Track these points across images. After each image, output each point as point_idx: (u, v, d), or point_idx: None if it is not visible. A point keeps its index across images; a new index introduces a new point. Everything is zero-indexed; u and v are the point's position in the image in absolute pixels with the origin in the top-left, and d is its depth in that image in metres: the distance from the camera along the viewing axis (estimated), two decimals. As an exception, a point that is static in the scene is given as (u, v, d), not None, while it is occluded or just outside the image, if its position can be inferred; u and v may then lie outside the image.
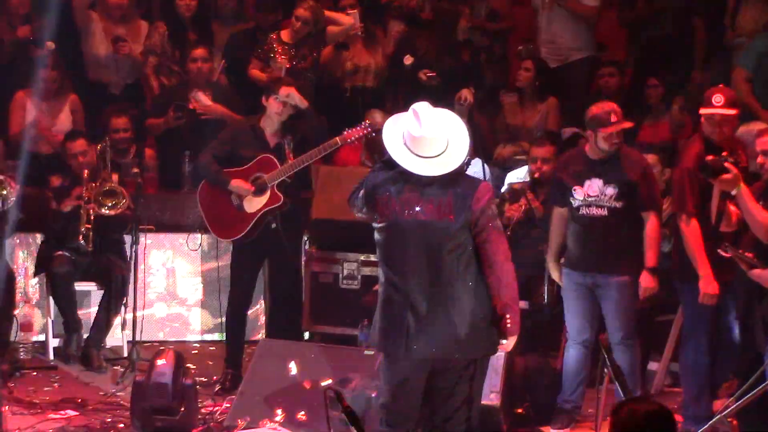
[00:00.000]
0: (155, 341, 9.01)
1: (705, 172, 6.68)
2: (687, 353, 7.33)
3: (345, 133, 7.92)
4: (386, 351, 5.77)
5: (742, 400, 6.28)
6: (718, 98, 7.03)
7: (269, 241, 8.02)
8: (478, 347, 5.70)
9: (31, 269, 8.93)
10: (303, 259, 8.61)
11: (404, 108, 5.79)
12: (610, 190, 7.25)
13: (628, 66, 10.33)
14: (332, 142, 7.90)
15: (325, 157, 8.25)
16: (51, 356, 8.71)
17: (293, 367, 7.29)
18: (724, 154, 6.75)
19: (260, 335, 8.94)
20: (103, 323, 8.63)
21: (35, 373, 8.42)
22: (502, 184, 8.80)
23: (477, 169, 8.18)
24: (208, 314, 9.22)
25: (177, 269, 9.23)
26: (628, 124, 7.37)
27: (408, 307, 5.65)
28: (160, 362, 7.19)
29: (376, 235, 5.76)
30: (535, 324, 8.00)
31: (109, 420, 7.46)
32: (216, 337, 9.08)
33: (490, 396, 7.05)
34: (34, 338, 8.97)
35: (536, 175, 8.30)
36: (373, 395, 6.65)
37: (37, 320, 8.94)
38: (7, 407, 7.16)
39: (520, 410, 7.53)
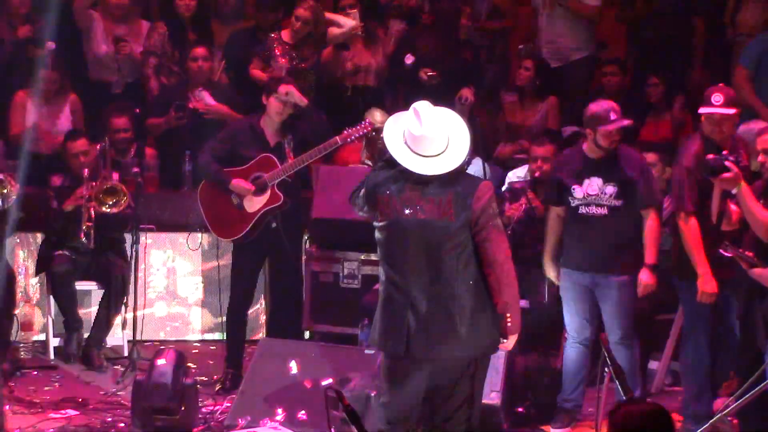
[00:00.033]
0: (156, 340, 9.02)
1: (705, 170, 6.68)
2: (687, 352, 7.33)
3: (345, 132, 7.92)
4: (387, 350, 5.77)
5: (742, 399, 6.28)
6: (717, 97, 7.03)
7: (270, 240, 8.02)
8: (478, 346, 5.70)
9: (32, 268, 8.94)
10: (303, 258, 8.60)
11: (405, 107, 5.79)
12: (610, 189, 7.26)
13: (629, 63, 10.31)
14: (332, 142, 7.90)
15: (325, 156, 8.24)
16: (51, 356, 8.71)
17: (294, 367, 7.29)
18: (724, 152, 6.76)
19: (261, 334, 8.94)
20: (103, 323, 8.63)
21: (36, 373, 8.43)
22: (503, 183, 8.81)
23: (477, 168, 8.17)
24: (209, 313, 9.22)
25: (177, 268, 9.23)
26: (627, 122, 7.37)
27: (408, 306, 5.66)
28: (160, 362, 7.20)
29: (377, 234, 5.76)
30: (536, 323, 8.00)
31: (110, 419, 7.46)
32: (216, 336, 9.08)
33: (491, 395, 7.05)
34: (35, 338, 8.98)
35: (537, 174, 8.30)
36: (372, 394, 6.65)
37: (37, 319, 8.95)
38: (7, 407, 7.17)
39: (520, 409, 7.53)
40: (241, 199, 7.97)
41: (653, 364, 8.22)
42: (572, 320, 7.43)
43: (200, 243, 8.92)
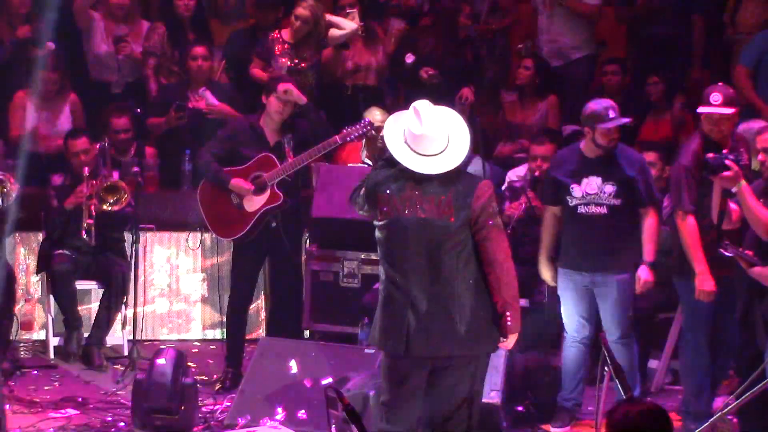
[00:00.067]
0: (156, 340, 9.02)
1: (705, 169, 6.68)
2: (686, 350, 7.33)
3: (344, 131, 7.92)
4: (387, 349, 5.77)
5: (742, 398, 6.28)
6: (715, 97, 7.03)
7: (269, 239, 8.02)
8: (478, 345, 5.70)
9: (32, 266, 8.94)
10: (303, 257, 8.61)
11: (405, 106, 5.79)
12: (609, 188, 7.26)
13: (629, 62, 10.31)
14: (331, 141, 7.90)
15: (325, 155, 8.25)
16: (51, 355, 8.71)
17: (294, 366, 7.29)
18: (724, 151, 6.76)
19: (260, 331, 8.95)
20: (103, 322, 8.63)
21: (36, 372, 8.43)
22: (503, 182, 8.81)
23: (477, 167, 8.18)
24: (211, 311, 9.21)
25: (179, 266, 9.23)
26: (626, 120, 7.37)
27: (408, 305, 5.66)
28: (160, 361, 7.20)
29: (377, 233, 5.77)
30: (536, 322, 8.00)
31: (110, 419, 7.47)
32: (218, 333, 9.08)
33: (491, 394, 7.05)
34: (35, 336, 8.98)
35: (536, 174, 8.30)
36: (370, 394, 6.65)
37: (38, 317, 8.95)
38: (7, 406, 7.15)
39: (520, 408, 7.53)
40: (241, 199, 7.97)
41: (653, 363, 8.23)
42: (571, 320, 7.43)
43: (200, 243, 8.92)
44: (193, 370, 8.09)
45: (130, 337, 8.45)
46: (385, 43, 10.17)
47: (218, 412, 7.49)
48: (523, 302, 7.22)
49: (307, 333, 8.69)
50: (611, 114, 7.22)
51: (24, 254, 9.05)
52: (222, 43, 10.20)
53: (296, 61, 9.33)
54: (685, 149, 7.17)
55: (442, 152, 5.64)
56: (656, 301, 7.96)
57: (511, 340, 5.76)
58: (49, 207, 8.65)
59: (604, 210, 7.28)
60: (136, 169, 8.72)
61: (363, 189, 5.80)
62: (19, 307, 8.84)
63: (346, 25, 9.49)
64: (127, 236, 8.54)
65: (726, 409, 6.45)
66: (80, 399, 7.79)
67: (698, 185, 7.00)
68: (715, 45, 10.31)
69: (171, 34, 9.92)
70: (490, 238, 5.64)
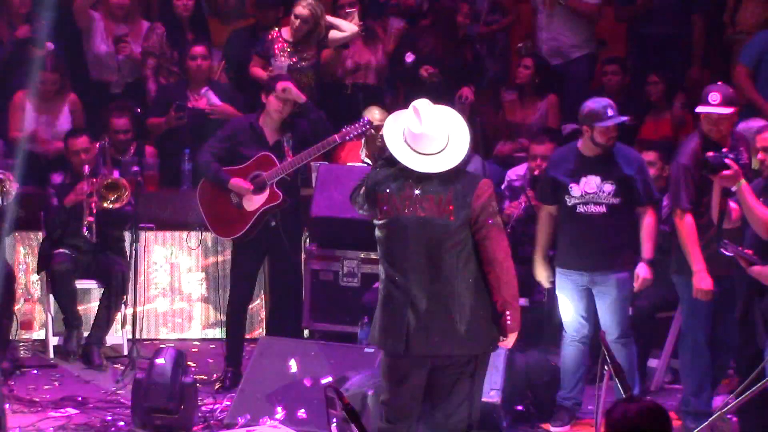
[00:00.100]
0: (155, 339, 9.02)
1: (705, 168, 6.68)
2: (685, 349, 7.33)
3: (343, 129, 7.92)
4: (386, 348, 5.78)
5: (742, 397, 6.28)
6: (714, 96, 7.02)
7: (269, 239, 8.02)
8: (478, 344, 5.70)
9: (32, 266, 8.95)
10: (303, 256, 8.61)
11: (405, 105, 5.79)
12: (608, 187, 7.26)
13: (629, 62, 10.31)
14: (331, 140, 7.90)
15: (324, 154, 8.25)
16: (51, 354, 8.71)
17: (293, 365, 7.29)
18: (724, 150, 6.76)
19: (260, 330, 8.96)
20: (103, 321, 8.63)
21: (35, 372, 8.43)
22: (502, 181, 8.82)
23: (476, 166, 8.19)
24: (210, 310, 9.21)
25: (179, 264, 9.23)
26: (624, 119, 7.38)
27: (408, 304, 5.66)
28: (159, 360, 7.20)
29: (377, 232, 5.77)
30: (535, 321, 8.01)
31: (110, 418, 7.46)
32: (217, 332, 9.08)
33: (491, 393, 7.04)
34: (35, 336, 8.98)
35: (536, 173, 8.30)
36: (369, 393, 6.65)
37: (38, 317, 8.95)
38: (7, 405, 7.16)
39: (520, 407, 7.53)
40: (241, 198, 7.97)
41: (653, 362, 8.23)
42: (570, 319, 7.43)
43: (200, 242, 8.92)
44: (193, 369, 8.09)
45: (130, 337, 8.45)
46: (384, 42, 10.17)
47: (218, 411, 7.49)
48: (523, 301, 7.21)
49: (306, 332, 8.69)
50: (609, 112, 7.22)
51: (24, 253, 9.05)
52: (221, 43, 10.19)
53: (296, 59, 9.32)
54: (684, 148, 7.17)
55: (441, 151, 5.64)
56: (656, 300, 7.96)
57: (510, 339, 5.76)
58: (49, 206, 8.65)
59: (603, 209, 7.28)
60: (135, 168, 8.72)
61: (363, 188, 5.80)
62: (19, 307, 8.84)
63: (347, 27, 9.47)
64: (127, 236, 8.53)
65: (726, 408, 6.45)
66: (80, 398, 7.79)
67: (697, 184, 7.01)
68: (715, 44, 10.31)
69: (170, 34, 9.91)
70: (489, 237, 5.64)
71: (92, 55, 9.92)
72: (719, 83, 7.22)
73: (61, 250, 8.57)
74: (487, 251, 5.65)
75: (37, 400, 7.77)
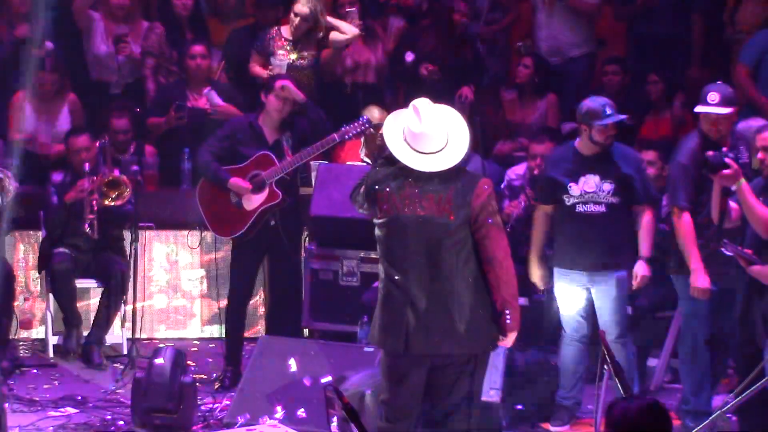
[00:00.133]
0: (155, 338, 9.02)
1: (705, 167, 6.68)
2: (685, 348, 7.33)
3: (342, 129, 7.93)
4: (386, 347, 5.78)
5: (741, 396, 6.28)
6: (713, 96, 7.02)
7: (269, 238, 8.02)
8: (477, 343, 5.70)
9: (31, 264, 8.95)
10: (302, 255, 8.60)
11: (404, 104, 5.79)
12: (608, 186, 7.26)
13: (629, 61, 10.30)
14: (330, 139, 7.90)
15: (323, 153, 8.24)
16: (51, 353, 8.71)
17: (293, 364, 7.29)
18: (724, 149, 6.76)
19: (259, 327, 8.96)
20: (103, 321, 8.63)
21: (35, 371, 8.42)
22: (502, 180, 8.81)
23: (476, 166, 8.18)
24: (210, 308, 9.21)
25: (178, 263, 9.23)
26: (622, 117, 7.38)
27: (408, 304, 5.66)
28: (159, 360, 7.20)
29: (377, 231, 5.77)
30: (535, 320, 8.00)
31: (109, 417, 7.47)
32: (216, 330, 9.08)
33: (490, 392, 7.04)
34: (34, 335, 8.98)
35: (536, 172, 8.29)
36: (367, 392, 6.64)
37: (38, 313, 8.95)
38: (7, 404, 7.16)
39: (520, 407, 7.53)
40: (240, 198, 7.97)
41: (652, 362, 8.23)
42: (569, 319, 7.43)
43: (199, 242, 8.92)
44: (192, 368, 8.09)
45: (130, 336, 8.45)
46: (384, 41, 10.17)
47: (217, 410, 7.49)
48: (523, 300, 7.20)
49: (306, 331, 8.68)
50: (608, 111, 7.23)
51: (23, 252, 9.05)
52: (221, 43, 10.18)
53: (295, 58, 9.31)
54: (683, 147, 7.18)
55: (441, 150, 5.64)
56: (656, 300, 7.96)
57: (510, 339, 5.77)
58: (49, 204, 8.65)
59: (602, 208, 7.28)
60: (135, 167, 8.72)
61: (363, 187, 5.80)
62: (18, 303, 8.83)
63: (348, 29, 9.43)
64: (126, 235, 8.53)
65: (725, 407, 6.45)
66: (80, 397, 7.79)
67: (695, 183, 7.01)
68: (715, 44, 10.31)
69: (169, 33, 9.90)
70: (489, 236, 5.64)
71: (92, 55, 9.90)
72: (718, 83, 7.22)
73: (61, 250, 8.57)
74: (486, 250, 5.65)
75: (37, 399, 7.77)
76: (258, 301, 9.08)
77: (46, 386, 8.11)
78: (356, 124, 7.93)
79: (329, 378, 7.03)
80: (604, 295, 7.31)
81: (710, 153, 6.69)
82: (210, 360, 8.68)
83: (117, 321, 8.74)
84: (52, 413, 7.53)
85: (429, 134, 5.62)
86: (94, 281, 8.76)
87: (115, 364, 8.53)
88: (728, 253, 6.56)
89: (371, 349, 7.03)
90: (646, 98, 9.76)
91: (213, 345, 9.00)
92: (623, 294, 7.34)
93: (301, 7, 9.23)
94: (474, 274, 5.67)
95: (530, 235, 7.75)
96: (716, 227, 6.91)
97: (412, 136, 5.64)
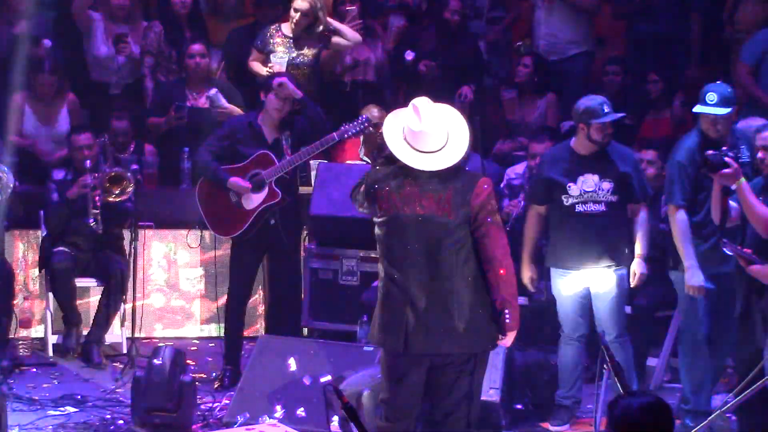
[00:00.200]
0: (154, 337, 9.02)
1: (705, 166, 6.68)
2: (684, 346, 7.33)
3: (342, 128, 7.92)
4: (385, 346, 5.78)
5: (741, 396, 6.28)
6: (711, 96, 7.02)
7: (268, 237, 8.02)
8: (477, 342, 5.70)
9: (31, 263, 8.95)
10: (302, 254, 8.60)
11: (404, 103, 5.79)
12: (607, 185, 7.26)
13: (629, 62, 10.30)
14: (329, 138, 7.90)
15: (323, 152, 8.24)
16: (50, 353, 8.71)
17: (293, 364, 7.29)
18: (724, 148, 6.76)
19: (259, 326, 8.96)
20: (102, 320, 8.63)
21: (35, 370, 8.43)
22: (501, 180, 8.81)
23: (475, 165, 8.17)
24: (209, 307, 9.21)
25: (178, 261, 9.23)
26: (620, 115, 7.39)
27: (407, 303, 5.66)
28: (158, 359, 7.20)
29: (377, 230, 5.77)
30: (535, 320, 8.00)
31: (109, 416, 7.46)
32: (215, 329, 9.08)
33: (490, 392, 7.04)
34: (34, 334, 8.98)
35: (535, 171, 8.28)
36: (365, 391, 6.64)
37: (37, 312, 8.95)
38: (6, 403, 7.15)
39: (519, 406, 7.53)
40: (240, 197, 7.97)
41: (652, 361, 8.23)
42: (567, 319, 7.42)
43: (200, 240, 8.91)
44: (192, 367, 8.08)
45: (129, 335, 8.45)
46: (384, 40, 10.16)
47: (217, 409, 7.50)
48: (522, 300, 7.21)
49: (306, 331, 8.68)
50: (606, 109, 7.24)
51: (22, 251, 9.05)
52: (220, 42, 10.17)
53: (295, 55, 9.30)
54: (681, 146, 7.19)
55: (441, 149, 5.64)
56: (655, 299, 7.96)
57: (510, 338, 5.77)
58: (49, 202, 8.65)
59: (602, 207, 7.28)
60: (135, 166, 8.72)
61: (363, 186, 5.80)
62: (17, 302, 8.83)
63: (351, 36, 9.42)
64: (126, 234, 8.53)
65: (725, 407, 6.45)
66: (79, 396, 7.79)
67: (692, 182, 7.02)
68: (714, 43, 10.31)
69: (168, 32, 9.90)
70: (489, 235, 5.64)
71: (92, 56, 9.90)
72: (718, 82, 7.21)
73: (61, 248, 8.57)
74: (486, 249, 5.65)
75: (37, 398, 7.76)
76: (257, 300, 9.08)
77: (45, 385, 8.11)
78: (356, 123, 7.93)
79: (329, 377, 7.03)
80: (604, 294, 7.31)
81: (710, 152, 6.69)
82: (209, 359, 8.67)
83: (116, 320, 8.74)
84: (52, 412, 7.53)
85: (429, 133, 5.62)
86: (94, 280, 8.76)
87: (114, 363, 8.53)
88: (728, 252, 6.56)
89: (371, 349, 7.03)
90: (646, 98, 9.76)
91: (213, 344, 8.99)
92: (622, 293, 7.34)
93: (301, 3, 9.22)
94: (473, 273, 5.67)
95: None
96: (715, 226, 6.92)
97: (411, 135, 5.64)
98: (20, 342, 8.87)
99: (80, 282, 8.72)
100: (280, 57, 9.24)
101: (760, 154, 6.70)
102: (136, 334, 8.38)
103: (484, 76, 10.39)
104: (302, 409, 7.08)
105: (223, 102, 9.20)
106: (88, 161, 8.51)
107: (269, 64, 9.23)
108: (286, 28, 9.35)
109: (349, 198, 5.94)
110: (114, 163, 8.74)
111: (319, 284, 8.54)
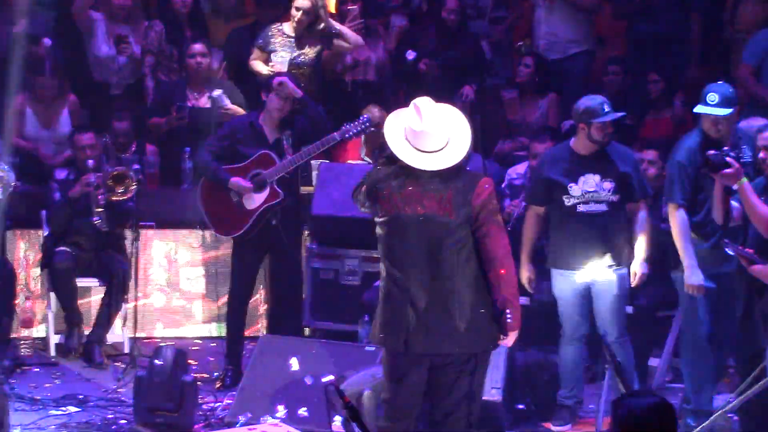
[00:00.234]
0: (155, 337, 9.02)
1: (707, 166, 6.69)
2: (686, 346, 7.33)
3: (343, 127, 7.93)
4: (387, 346, 5.78)
5: (743, 396, 6.29)
6: (713, 97, 7.02)
7: (270, 237, 8.02)
8: (478, 342, 5.70)
9: (32, 263, 8.95)
10: (303, 254, 8.61)
11: (405, 103, 5.80)
12: (608, 184, 7.27)
13: (630, 61, 10.30)
14: (330, 138, 7.91)
15: (324, 152, 8.24)
16: (52, 352, 8.71)
17: (294, 363, 7.29)
18: (725, 148, 6.76)
19: (260, 326, 8.96)
20: (104, 320, 8.64)
21: (37, 370, 8.43)
22: (502, 180, 8.81)
23: (476, 165, 8.18)
24: (210, 307, 9.21)
25: (179, 260, 9.23)
26: (620, 114, 7.39)
27: (408, 302, 5.66)
28: (160, 359, 7.20)
29: (378, 230, 5.77)
30: (536, 320, 7.99)
31: (111, 416, 7.47)
32: (216, 329, 9.08)
33: (491, 392, 7.04)
34: (35, 334, 8.98)
35: (534, 172, 8.28)
36: (366, 391, 6.64)
37: (39, 312, 8.95)
38: (9, 403, 7.16)
39: (521, 406, 7.53)
40: (241, 197, 7.97)
41: (654, 361, 8.23)
42: (568, 319, 7.42)
43: (201, 242, 8.92)
44: (194, 367, 8.09)
45: (131, 335, 8.45)
46: (385, 40, 10.16)
47: (219, 409, 7.50)
48: (524, 300, 7.21)
49: (307, 331, 8.68)
50: (606, 108, 7.24)
51: (24, 250, 9.05)
52: (221, 41, 10.18)
53: (296, 54, 9.30)
54: (682, 145, 7.19)
55: (442, 149, 5.64)
56: (656, 299, 7.97)
57: (511, 338, 5.76)
58: (51, 201, 8.66)
59: (604, 207, 7.28)
60: (136, 166, 8.72)
61: (364, 186, 5.80)
62: (19, 302, 8.84)
63: (353, 40, 9.42)
64: (127, 233, 8.53)
65: (727, 407, 6.46)
66: (81, 396, 7.79)
67: (692, 181, 7.02)
68: (713, 43, 10.31)
69: (169, 31, 9.90)
70: (490, 235, 5.64)
71: (93, 56, 9.90)
72: (719, 82, 7.21)
73: (62, 248, 8.58)
74: (487, 249, 5.65)
75: (39, 398, 7.77)
76: (259, 300, 9.08)
77: (47, 385, 8.11)
78: (357, 123, 7.94)
79: (330, 377, 7.03)
80: (603, 294, 7.31)
81: (711, 152, 6.69)
82: (211, 359, 8.68)
83: (118, 320, 8.74)
84: (54, 412, 7.53)
85: (430, 133, 5.62)
86: (96, 280, 8.77)
87: (116, 363, 8.52)
88: (730, 253, 6.56)
89: (372, 348, 7.03)
90: (646, 97, 9.76)
91: (214, 344, 9.00)
92: (623, 293, 7.35)
93: (303, 1, 9.22)
94: (475, 273, 5.67)
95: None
96: (715, 226, 6.92)
97: (413, 134, 5.64)
98: (22, 342, 8.87)
99: (82, 282, 8.73)
100: (282, 56, 9.24)
101: (761, 154, 6.70)
102: (137, 334, 8.38)
103: (485, 76, 10.38)
104: (304, 408, 7.09)
105: (227, 103, 9.20)
106: (91, 161, 8.52)
107: (271, 64, 9.24)
108: (288, 27, 9.35)
109: (351, 198, 5.94)
110: (116, 162, 8.75)
111: (321, 284, 8.54)
